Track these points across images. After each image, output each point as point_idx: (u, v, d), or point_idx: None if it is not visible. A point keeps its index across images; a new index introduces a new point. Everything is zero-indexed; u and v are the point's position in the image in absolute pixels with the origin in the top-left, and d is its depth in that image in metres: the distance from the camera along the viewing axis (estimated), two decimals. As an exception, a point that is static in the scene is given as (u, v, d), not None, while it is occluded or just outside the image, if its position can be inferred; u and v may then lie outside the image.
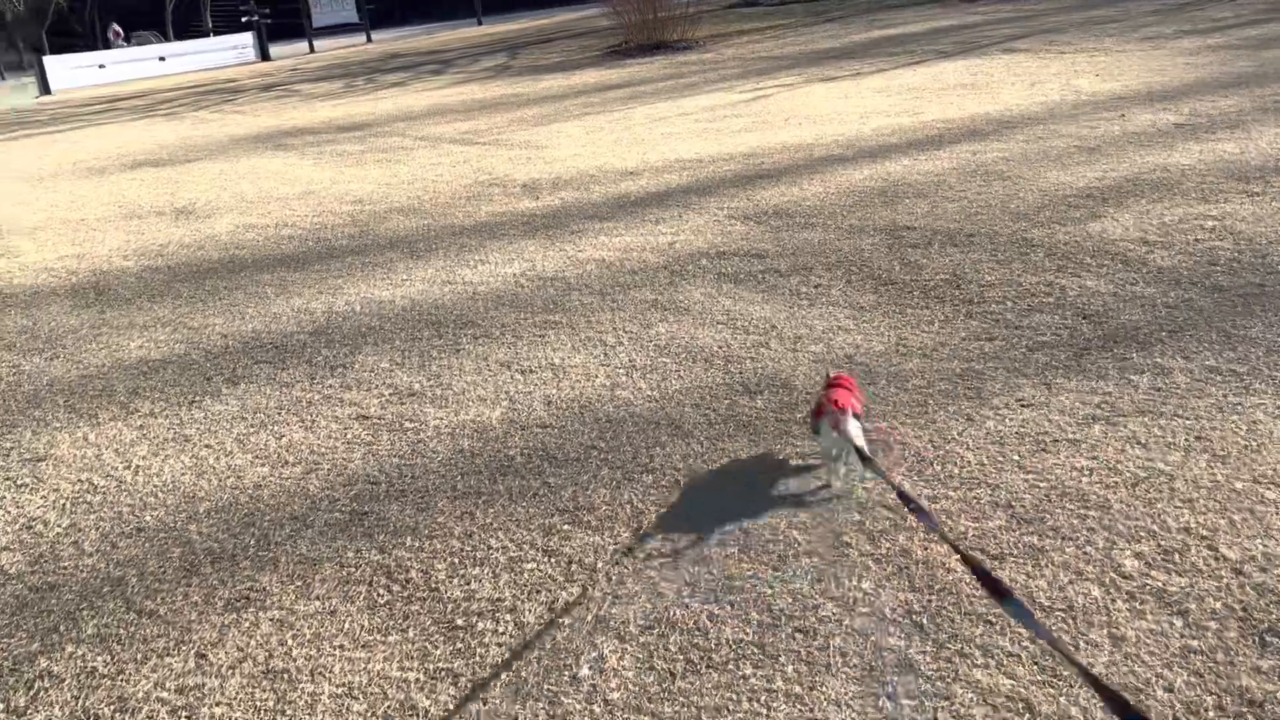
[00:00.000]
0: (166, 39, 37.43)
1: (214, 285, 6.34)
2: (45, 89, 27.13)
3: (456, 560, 3.00)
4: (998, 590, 2.27)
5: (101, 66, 28.41)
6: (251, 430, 4.12)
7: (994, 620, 2.47)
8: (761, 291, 5.17)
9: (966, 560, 2.39)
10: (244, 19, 37.44)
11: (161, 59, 29.58)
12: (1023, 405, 3.62)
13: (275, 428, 4.12)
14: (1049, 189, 6.38)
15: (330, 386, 4.50)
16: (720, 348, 4.48)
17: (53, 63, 28.13)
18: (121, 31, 36.08)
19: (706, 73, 14.99)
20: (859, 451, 2.90)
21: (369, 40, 32.14)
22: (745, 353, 4.40)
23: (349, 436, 3.95)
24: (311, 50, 31.29)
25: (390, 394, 4.34)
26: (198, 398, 4.55)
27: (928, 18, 17.93)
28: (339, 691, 2.48)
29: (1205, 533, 2.76)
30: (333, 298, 5.80)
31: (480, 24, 33.17)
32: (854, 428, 2.94)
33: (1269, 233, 5.09)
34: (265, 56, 30.72)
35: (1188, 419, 3.38)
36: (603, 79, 15.83)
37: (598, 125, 11.35)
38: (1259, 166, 6.29)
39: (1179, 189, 6.04)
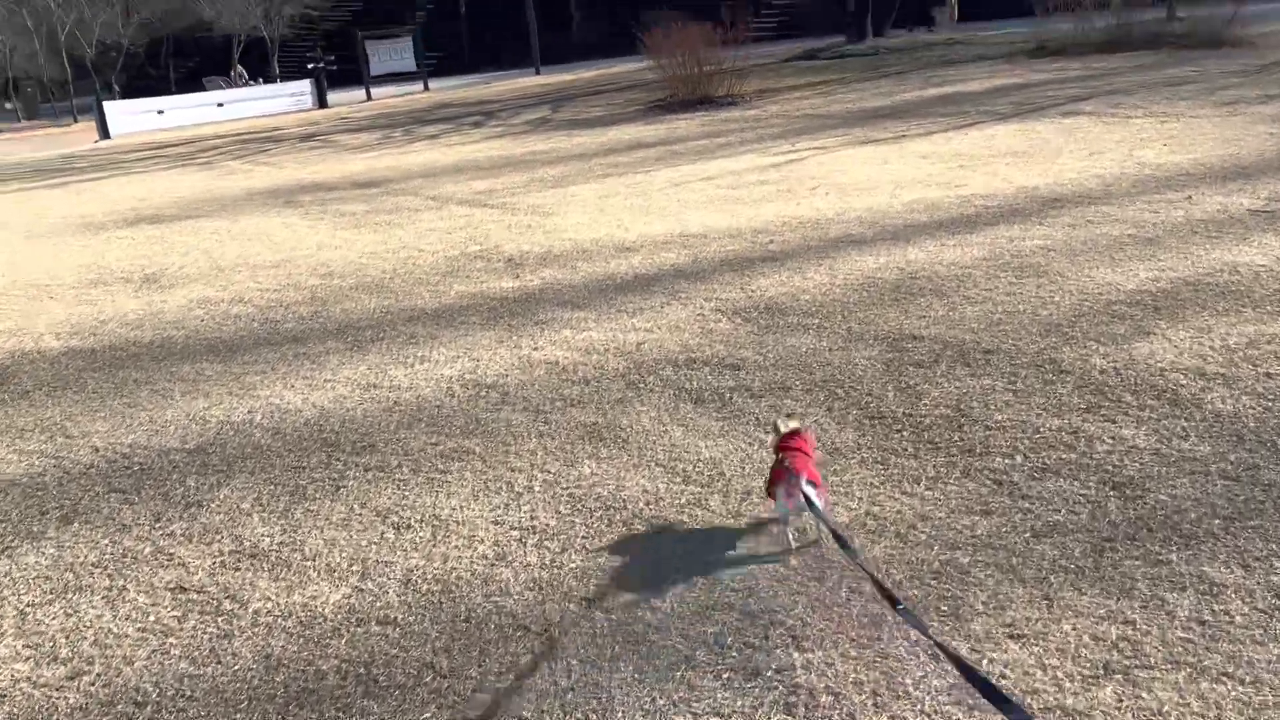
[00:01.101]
0: (238, 84, 37.86)
1: (124, 377, 5.60)
2: (105, 133, 27.34)
3: None
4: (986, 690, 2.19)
5: (160, 112, 28.61)
6: (42, 601, 3.30)
7: None
8: (723, 419, 4.25)
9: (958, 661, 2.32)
10: (309, 66, 37.78)
11: (220, 105, 29.72)
12: (1010, 635, 2.63)
13: (71, 599, 3.29)
14: (1092, 291, 5.36)
15: (169, 535, 3.67)
16: (647, 504, 3.57)
17: (112, 107, 28.41)
18: (244, 72, 36.62)
19: (745, 131, 14.16)
20: (822, 522, 2.90)
21: (425, 89, 32.03)
22: (674, 513, 3.48)
23: (149, 621, 3.11)
24: (368, 98, 31.26)
25: (230, 552, 3.49)
26: (14, 542, 3.75)
27: (989, 75, 16.94)
28: None
29: None
30: (238, 402, 5.01)
31: (538, 73, 32.90)
32: (810, 496, 2.92)
33: None
34: (322, 104, 30.75)
35: (1243, 682, 2.36)
36: (638, 136, 15.10)
37: (615, 189, 10.56)
38: (1351, 272, 5.20)
39: (1250, 298, 4.99)
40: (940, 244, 6.70)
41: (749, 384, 4.62)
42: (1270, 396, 3.87)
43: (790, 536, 3.11)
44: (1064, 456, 3.60)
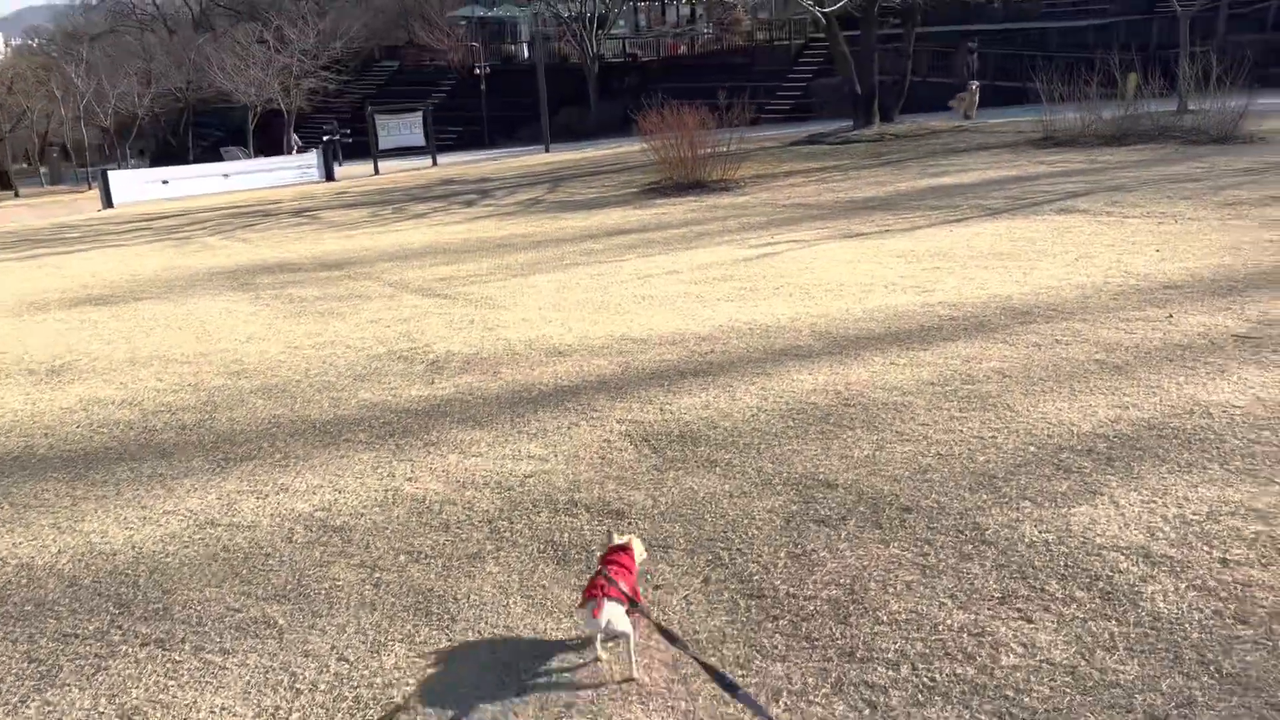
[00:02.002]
0: (255, 155, 38.07)
1: (-47, 497, 5.00)
2: (108, 202, 27.29)
3: None
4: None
5: (165, 182, 28.57)
6: None
7: None
8: (579, 588, 3.58)
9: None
10: (325, 139, 37.95)
11: (225, 176, 29.69)
12: None
13: None
14: (1042, 432, 4.69)
15: None
16: (449, 703, 2.89)
17: (118, 177, 28.41)
18: (299, 142, 36.88)
19: (728, 219, 13.66)
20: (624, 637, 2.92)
21: (434, 163, 31.97)
22: (471, 732, 2.79)
23: None
24: (376, 172, 31.20)
25: (-76, 762, 2.84)
26: None
27: (989, 165, 16.43)
28: None
29: None
30: (55, 538, 4.41)
31: (547, 150, 32.83)
32: (617, 615, 2.91)
33: None
34: (329, 177, 30.69)
35: None
36: (621, 222, 14.64)
37: (578, 280, 10.02)
38: (1337, 422, 4.52)
39: (1218, 450, 4.30)
40: (890, 362, 6.05)
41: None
42: (1222, 594, 3.17)
43: (598, 649, 3.11)
44: (959, 671, 2.91)
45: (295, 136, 36.97)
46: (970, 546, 3.65)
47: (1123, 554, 3.49)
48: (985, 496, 4.06)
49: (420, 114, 32.88)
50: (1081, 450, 4.44)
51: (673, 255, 11.16)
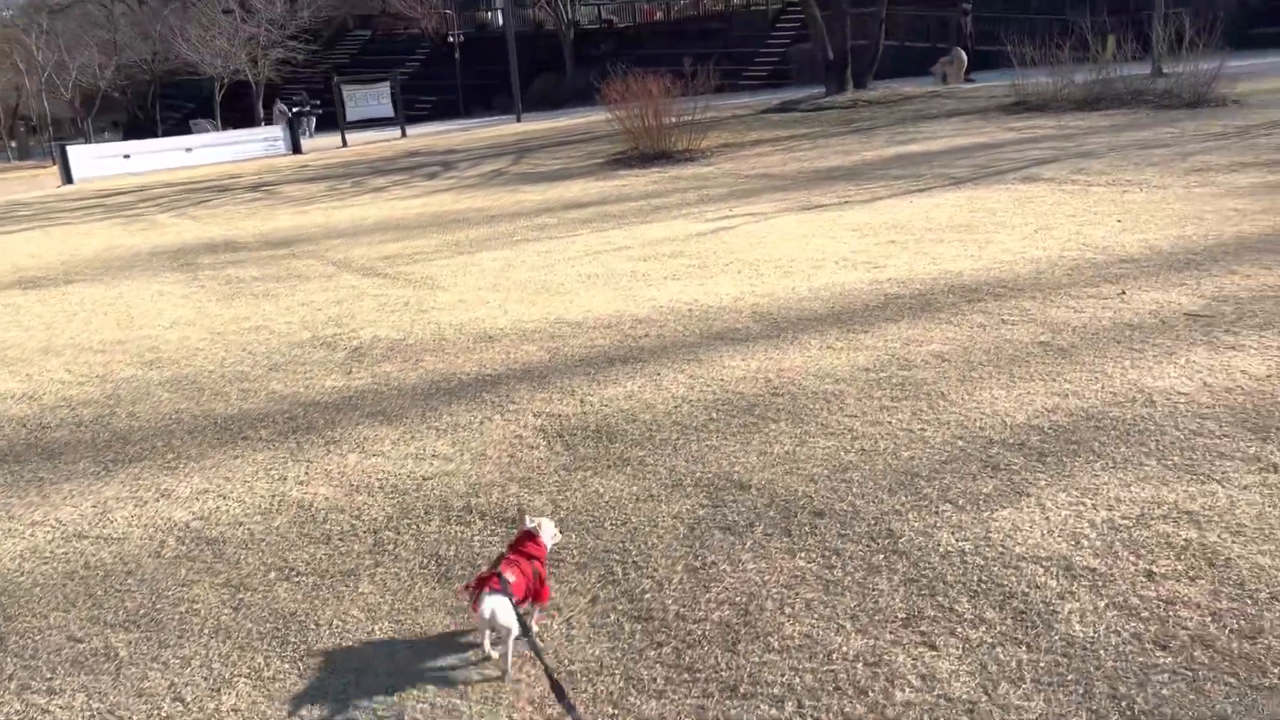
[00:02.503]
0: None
1: None
2: (68, 178, 26.69)
3: None
4: None
5: (126, 157, 27.95)
6: None
7: None
8: (458, 611, 3.28)
9: None
10: (294, 110, 37.24)
11: (188, 150, 29.07)
12: None
13: None
14: (974, 425, 4.39)
15: None
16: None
17: (78, 152, 27.78)
18: (287, 110, 36.03)
19: (688, 192, 13.29)
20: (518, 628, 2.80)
21: (403, 134, 31.41)
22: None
23: None
24: (344, 144, 30.62)
25: None
26: None
27: (958, 132, 16.09)
28: None
29: None
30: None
31: (519, 120, 32.29)
32: (502, 608, 2.78)
33: (1276, 570, 3.05)
34: (296, 149, 30.10)
35: None
36: (579, 195, 14.26)
37: (524, 258, 9.67)
38: (1286, 410, 4.24)
39: (1157, 444, 4.01)
40: (827, 346, 5.75)
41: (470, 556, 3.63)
42: (1144, 614, 2.89)
43: (486, 644, 3.00)
44: (848, 709, 2.62)
45: (282, 105, 36.12)
46: (881, 557, 3.35)
47: (1042, 566, 3.20)
48: (904, 499, 3.76)
49: (388, 84, 32.24)
50: (1013, 444, 4.15)
51: (626, 230, 10.81)
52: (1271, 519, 3.35)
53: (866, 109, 21.40)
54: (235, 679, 3.01)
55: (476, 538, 3.79)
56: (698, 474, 4.17)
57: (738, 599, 3.20)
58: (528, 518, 3.17)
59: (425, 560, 3.67)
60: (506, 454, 4.62)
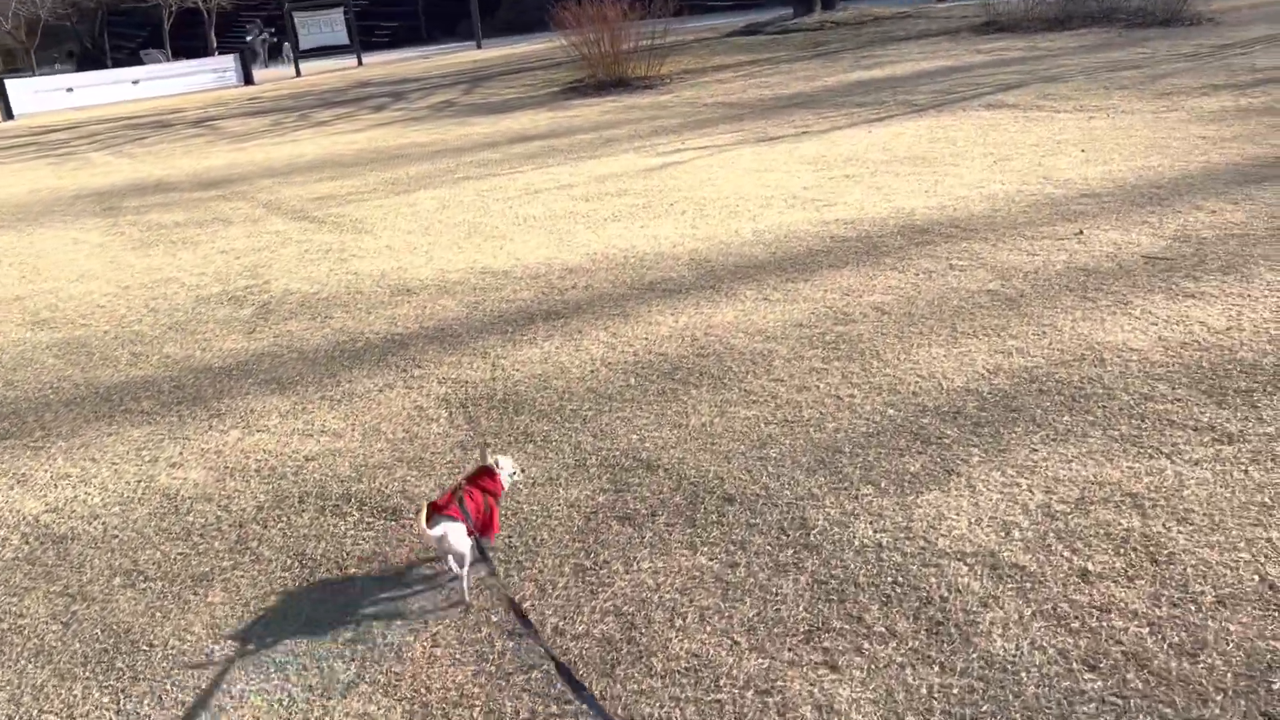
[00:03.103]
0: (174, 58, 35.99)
1: None
2: (8, 114, 25.65)
3: None
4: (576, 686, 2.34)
5: (70, 90, 26.87)
6: None
7: None
8: (308, 625, 2.90)
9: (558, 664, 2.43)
10: (247, 39, 35.95)
11: (135, 82, 27.98)
12: None
13: None
14: (907, 389, 4.02)
15: None
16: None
17: (19, 86, 26.67)
18: (266, 35, 34.48)
19: (641, 123, 12.73)
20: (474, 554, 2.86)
21: (359, 63, 30.36)
22: None
23: None
24: (297, 74, 29.57)
25: None
26: None
27: (925, 55, 15.50)
28: None
29: None
30: None
31: (479, 47, 31.26)
32: (456, 534, 2.80)
33: (1223, 567, 2.71)
34: (248, 80, 29.06)
35: None
36: (529, 126, 13.66)
37: (461, 197, 9.16)
38: (1250, 369, 3.88)
39: (1104, 411, 3.65)
40: (763, 297, 5.34)
41: (385, 549, 3.26)
42: (1074, 624, 2.54)
43: (453, 565, 2.98)
44: (727, 755, 2.26)
45: (262, 31, 34.66)
46: (789, 553, 2.99)
47: (966, 564, 2.84)
48: (823, 480, 3.39)
49: (341, 11, 31.06)
50: (947, 413, 3.78)
51: (572, 165, 10.29)
52: (1222, 502, 3.00)
53: (834, 31, 20.71)
54: (42, 717, 2.63)
55: (350, 533, 3.40)
56: (604, 452, 3.79)
57: (626, 608, 2.83)
58: (489, 455, 3.17)
59: (289, 561, 3.28)
60: (402, 429, 4.21)
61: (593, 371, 4.60)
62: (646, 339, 4.94)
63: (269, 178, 11.74)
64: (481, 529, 2.98)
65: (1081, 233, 5.84)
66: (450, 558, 2.95)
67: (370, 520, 3.47)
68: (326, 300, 6.27)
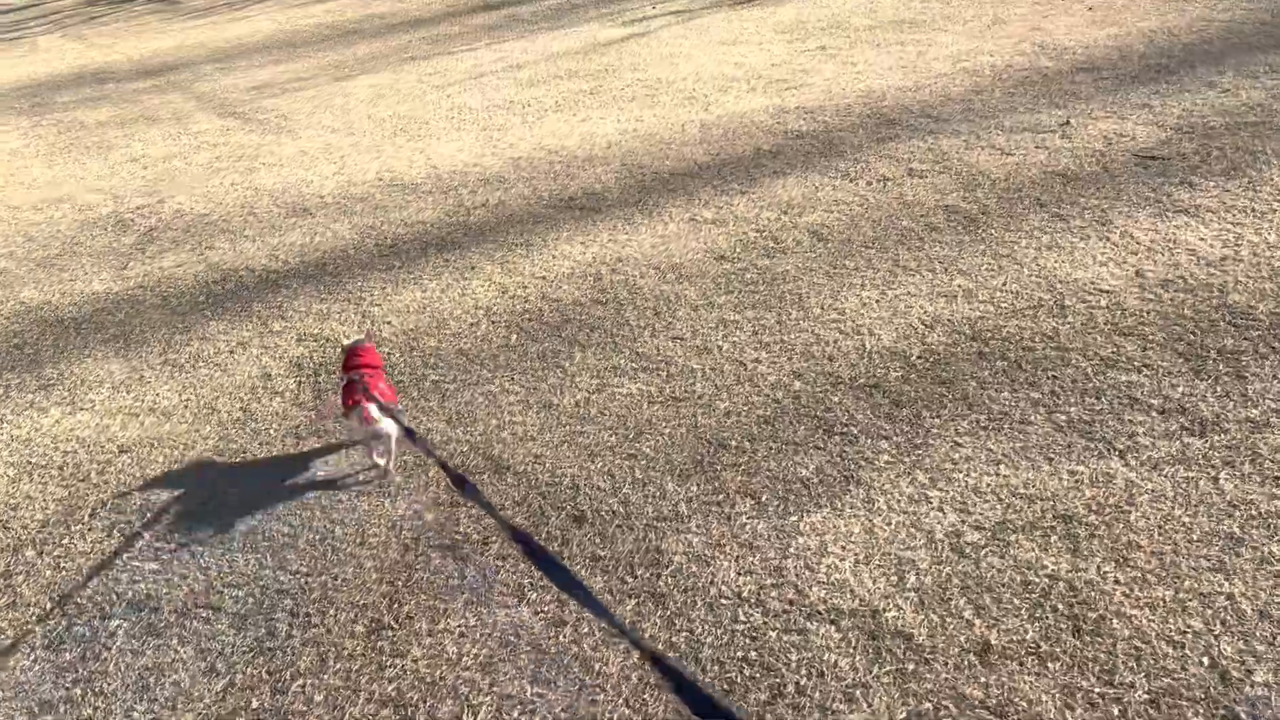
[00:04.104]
0: None
1: None
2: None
3: None
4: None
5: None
6: None
7: None
8: None
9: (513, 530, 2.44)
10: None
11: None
12: None
13: None
14: (821, 352, 3.35)
15: None
16: None
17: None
18: None
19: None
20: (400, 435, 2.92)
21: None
22: None
23: None
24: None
25: None
26: None
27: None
28: None
29: None
30: None
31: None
32: (387, 421, 2.88)
33: (1164, 643, 2.09)
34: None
35: None
36: (497, -9, 12.53)
37: (400, 83, 8.32)
38: (1242, 319, 3.15)
39: (1053, 384, 2.97)
40: (690, 217, 4.61)
41: (160, 590, 2.70)
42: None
43: (375, 456, 3.01)
44: None
45: None
46: (630, 606, 2.39)
47: (839, 628, 2.24)
48: (695, 490, 2.76)
49: None
50: (863, 387, 3.10)
51: (530, 39, 9.35)
52: (1177, 533, 2.34)
53: None
54: None
55: (130, 565, 2.83)
56: (453, 445, 3.17)
57: (410, 694, 2.26)
58: (343, 338, 3.29)
59: (49, 605, 2.72)
60: (239, 407, 3.61)
61: (472, 325, 3.94)
62: (545, 278, 4.25)
63: (213, 62, 10.86)
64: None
65: (1069, 123, 4.99)
66: (380, 442, 2.96)
67: (159, 547, 2.90)
68: (215, 224, 5.59)
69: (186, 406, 3.67)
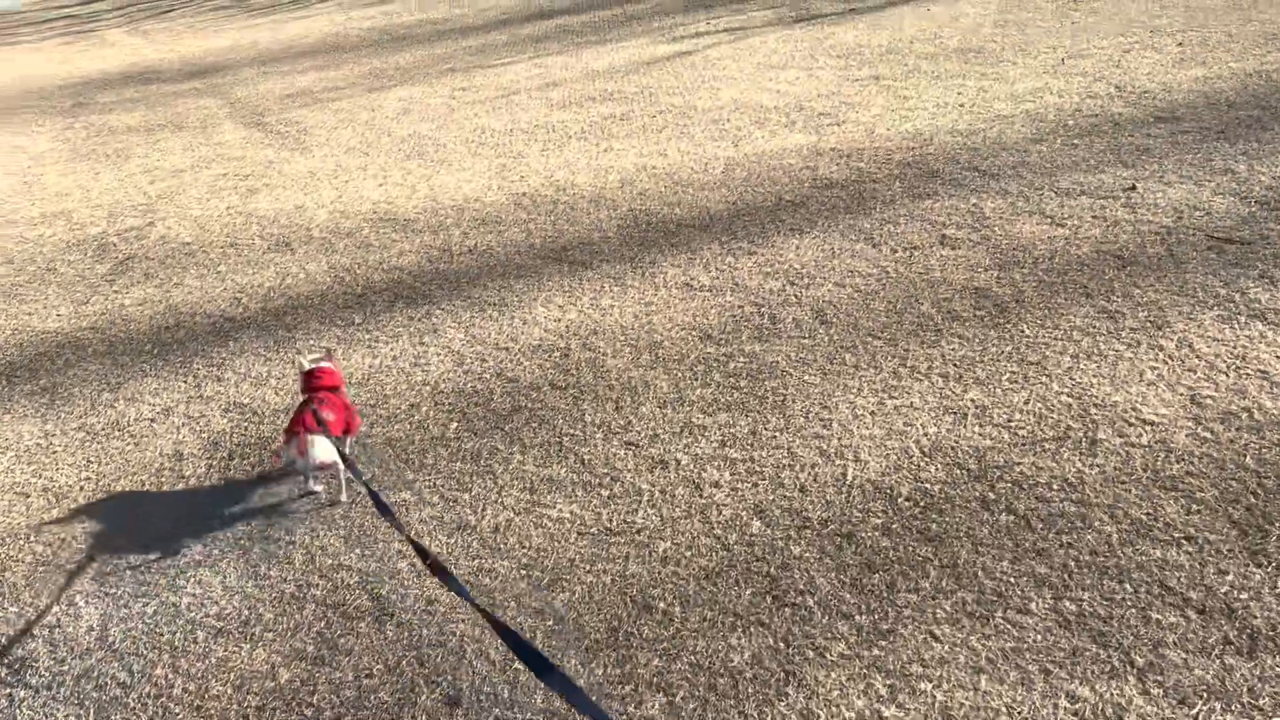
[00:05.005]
0: None
1: None
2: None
3: None
4: (437, 570, 2.15)
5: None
6: None
7: None
8: None
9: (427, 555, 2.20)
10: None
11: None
12: None
13: None
14: (793, 482, 2.81)
15: None
16: None
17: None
18: None
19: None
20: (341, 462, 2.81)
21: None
22: None
23: None
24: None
25: None
26: None
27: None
28: None
29: None
30: None
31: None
32: (321, 446, 2.78)
33: None
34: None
35: None
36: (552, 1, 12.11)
37: (430, 99, 7.95)
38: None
39: (1062, 576, 2.36)
40: (686, 281, 4.07)
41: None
42: None
43: (311, 483, 2.99)
44: None
45: None
46: None
47: None
48: (600, 673, 2.26)
49: None
50: (831, 540, 2.53)
51: (573, 54, 8.87)
52: None
53: None
54: None
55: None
56: (339, 576, 2.67)
57: None
58: (304, 359, 3.17)
59: None
60: (131, 498, 3.17)
61: (412, 408, 3.45)
62: (508, 349, 3.75)
63: (258, 65, 10.63)
64: (347, 428, 3.00)
65: (1134, 188, 4.32)
66: (316, 470, 2.89)
67: (-20, 685, 2.46)
68: (195, 255, 5.22)
69: (83, 489, 3.26)
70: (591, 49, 9.00)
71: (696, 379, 3.37)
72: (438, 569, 2.18)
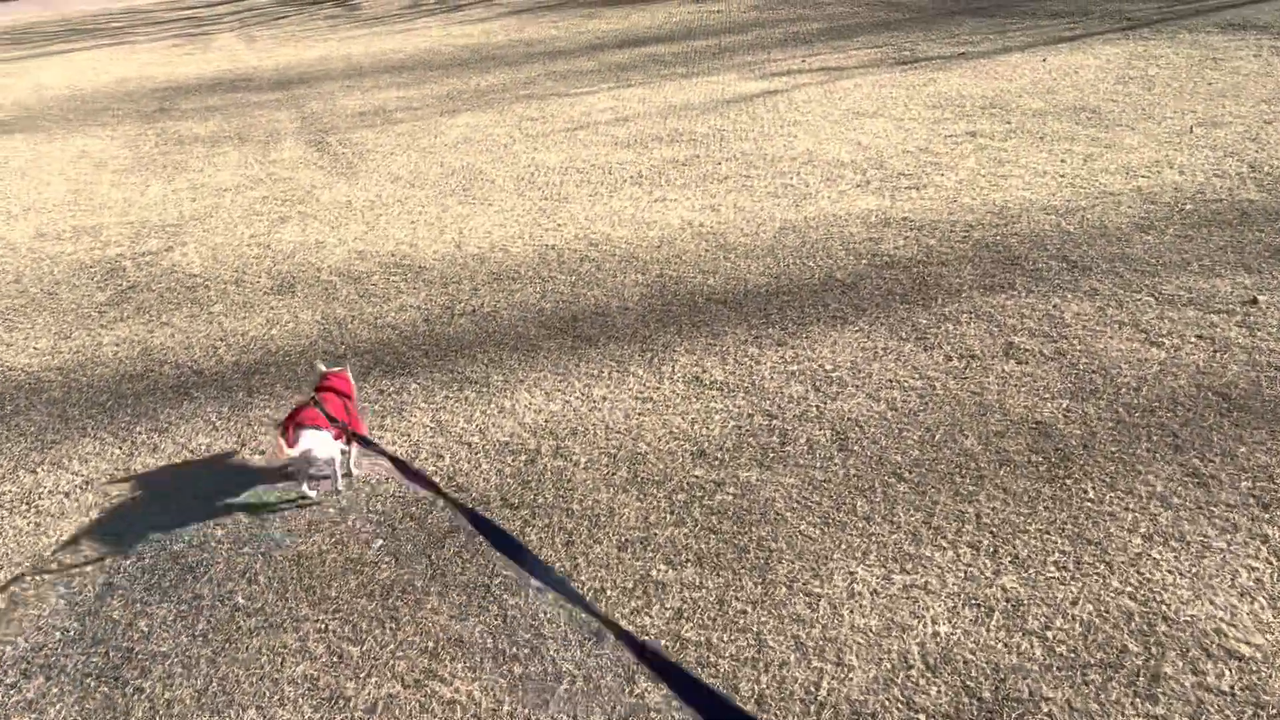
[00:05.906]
0: None
1: None
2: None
3: None
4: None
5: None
6: None
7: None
8: None
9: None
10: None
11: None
12: None
13: None
14: (755, 678, 2.21)
15: None
16: None
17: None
18: None
19: (778, 27, 10.51)
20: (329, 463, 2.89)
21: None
22: None
23: None
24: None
25: None
26: None
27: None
28: None
29: None
30: None
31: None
32: (318, 442, 2.82)
33: None
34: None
35: None
36: (654, 25, 11.68)
37: (498, 128, 7.54)
38: None
39: None
40: (695, 376, 3.48)
41: None
42: None
43: (305, 487, 2.97)
44: None
45: None
46: None
47: None
48: None
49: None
50: None
51: (653, 88, 8.35)
52: None
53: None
54: None
55: None
56: (182, 740, 2.15)
57: None
58: (320, 364, 3.29)
59: None
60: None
61: (340, 514, 2.93)
62: (470, 444, 3.22)
63: (344, 79, 10.42)
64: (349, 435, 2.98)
65: (1256, 302, 3.54)
66: (320, 467, 2.89)
67: None
68: (196, 290, 4.86)
69: (-50, 585, 2.82)
70: (675, 82, 8.46)
71: (672, 513, 2.76)
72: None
